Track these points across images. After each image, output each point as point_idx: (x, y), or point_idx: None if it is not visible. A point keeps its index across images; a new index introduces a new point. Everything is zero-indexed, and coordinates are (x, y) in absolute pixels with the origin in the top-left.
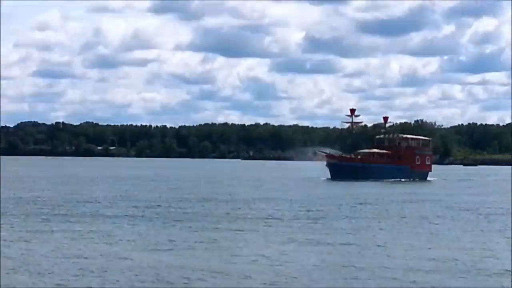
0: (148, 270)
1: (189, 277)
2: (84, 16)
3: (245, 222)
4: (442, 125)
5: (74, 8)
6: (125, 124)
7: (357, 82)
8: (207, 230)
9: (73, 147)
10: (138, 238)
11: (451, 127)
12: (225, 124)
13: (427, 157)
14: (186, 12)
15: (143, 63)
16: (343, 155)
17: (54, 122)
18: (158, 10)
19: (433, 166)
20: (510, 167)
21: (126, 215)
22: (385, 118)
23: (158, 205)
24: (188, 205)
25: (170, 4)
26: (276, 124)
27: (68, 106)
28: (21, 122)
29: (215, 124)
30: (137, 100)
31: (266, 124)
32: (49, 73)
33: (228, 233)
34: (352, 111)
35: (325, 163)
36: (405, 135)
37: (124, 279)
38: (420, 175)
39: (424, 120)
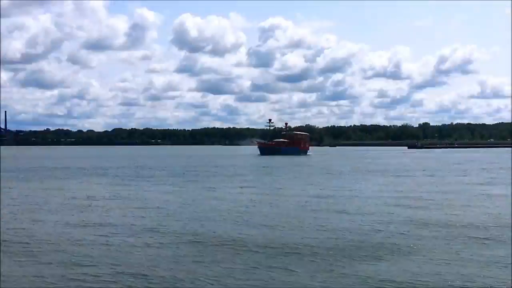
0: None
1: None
2: None
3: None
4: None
5: None
6: None
7: None
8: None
9: None
10: None
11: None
12: None
13: (307, 143)
14: None
15: None
16: (266, 142)
17: None
18: None
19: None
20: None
21: None
22: (286, 124)
23: None
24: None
25: None
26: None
27: None
28: None
29: None
30: None
31: None
32: None
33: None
34: (269, 121)
35: (257, 146)
36: (296, 132)
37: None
38: (304, 152)
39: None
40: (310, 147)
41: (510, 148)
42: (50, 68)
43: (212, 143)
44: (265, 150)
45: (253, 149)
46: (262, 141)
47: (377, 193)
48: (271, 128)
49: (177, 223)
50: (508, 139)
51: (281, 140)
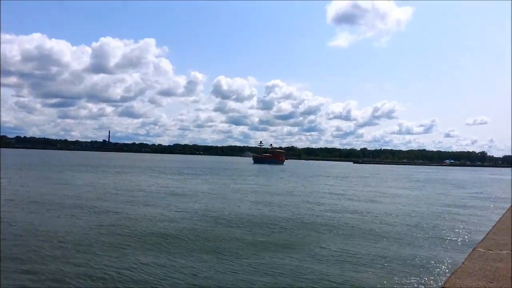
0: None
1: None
2: None
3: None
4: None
5: None
6: None
7: None
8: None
9: None
10: None
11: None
12: None
13: (283, 156)
14: None
15: None
16: (257, 155)
17: None
18: None
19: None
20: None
21: None
22: (271, 144)
23: None
24: None
25: None
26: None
27: None
28: None
29: None
30: None
31: None
32: None
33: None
34: (260, 142)
35: (252, 158)
36: (277, 150)
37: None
38: (281, 162)
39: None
40: (289, 160)
41: (417, 166)
42: (137, 105)
43: (233, 155)
44: (256, 160)
45: (250, 160)
46: (256, 154)
47: (324, 188)
48: (261, 147)
49: (198, 201)
50: (415, 160)
51: (267, 154)
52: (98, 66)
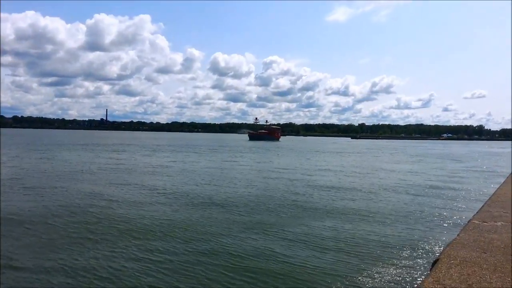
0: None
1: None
2: None
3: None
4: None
5: None
6: None
7: None
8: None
9: None
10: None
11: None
12: None
13: (279, 133)
14: None
15: None
16: (253, 132)
17: None
18: None
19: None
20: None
21: None
22: (266, 121)
23: None
24: None
25: None
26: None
27: None
28: None
29: None
30: None
31: None
32: None
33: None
34: (256, 119)
35: (247, 134)
36: (272, 127)
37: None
38: (276, 139)
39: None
40: (286, 136)
41: (415, 140)
42: (134, 83)
43: (231, 132)
44: (252, 137)
45: (245, 136)
46: (251, 131)
47: (318, 165)
48: (257, 123)
49: (182, 180)
50: (413, 135)
51: (263, 131)
52: (93, 43)
